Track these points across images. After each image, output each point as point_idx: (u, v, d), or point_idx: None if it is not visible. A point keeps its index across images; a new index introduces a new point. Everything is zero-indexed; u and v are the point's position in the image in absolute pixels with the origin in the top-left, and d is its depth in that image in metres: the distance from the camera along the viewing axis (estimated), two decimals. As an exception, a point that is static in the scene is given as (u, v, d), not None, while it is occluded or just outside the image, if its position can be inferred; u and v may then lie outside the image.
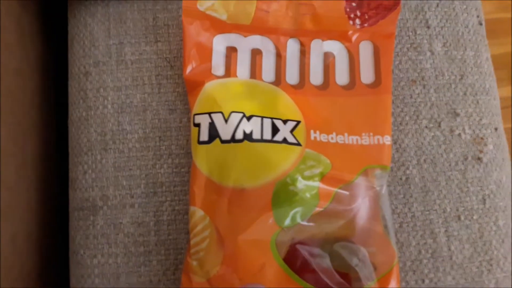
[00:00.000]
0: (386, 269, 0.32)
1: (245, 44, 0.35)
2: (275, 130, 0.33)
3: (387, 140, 0.33)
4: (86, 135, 0.37)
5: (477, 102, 0.38)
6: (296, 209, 0.32)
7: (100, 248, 0.35)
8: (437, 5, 0.40)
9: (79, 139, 0.38)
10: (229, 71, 0.35)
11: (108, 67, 0.38)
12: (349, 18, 0.35)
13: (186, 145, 0.37)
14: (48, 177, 0.42)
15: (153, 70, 0.38)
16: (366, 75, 0.35)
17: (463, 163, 0.37)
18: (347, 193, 0.32)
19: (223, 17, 0.35)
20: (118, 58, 0.38)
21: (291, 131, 0.33)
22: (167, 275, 0.35)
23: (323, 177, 0.32)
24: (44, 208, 0.40)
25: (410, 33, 0.39)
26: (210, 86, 0.34)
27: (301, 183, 0.32)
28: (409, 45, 0.39)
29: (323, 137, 0.33)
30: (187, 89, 0.35)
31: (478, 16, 0.40)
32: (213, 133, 0.32)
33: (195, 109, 0.34)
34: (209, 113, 0.33)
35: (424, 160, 0.37)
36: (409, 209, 0.36)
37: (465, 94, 0.38)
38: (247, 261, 0.31)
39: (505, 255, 0.36)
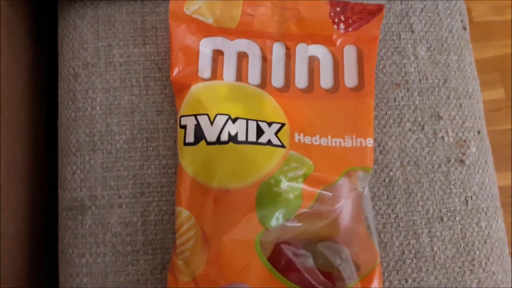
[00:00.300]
0: (368, 268, 0.32)
1: (232, 47, 0.36)
2: (260, 132, 0.33)
3: (370, 142, 0.34)
4: (75, 136, 0.38)
5: (460, 106, 0.39)
6: (280, 210, 0.32)
7: (88, 248, 0.36)
8: (422, 10, 0.40)
9: (68, 140, 0.38)
10: (216, 74, 0.35)
11: (97, 69, 0.38)
12: (334, 22, 0.36)
13: (173, 147, 0.37)
14: (38, 177, 0.42)
15: (141, 72, 0.38)
16: (350, 79, 0.35)
17: (446, 165, 0.37)
18: (330, 194, 0.33)
19: (209, 20, 0.36)
20: (107, 60, 0.39)
21: (276, 133, 0.33)
22: (154, 274, 0.35)
23: (306, 178, 0.33)
24: (33, 208, 0.41)
25: (395, 37, 0.39)
26: (196, 89, 0.34)
27: (284, 184, 0.32)
28: (393, 49, 0.39)
29: (307, 139, 0.34)
30: (174, 91, 0.36)
31: (462, 21, 0.41)
32: (199, 135, 0.33)
33: (182, 111, 0.34)
34: (195, 115, 0.33)
35: (408, 162, 0.37)
36: (393, 210, 0.36)
37: (448, 97, 0.39)
38: (232, 260, 0.32)
39: (487, 256, 0.36)
